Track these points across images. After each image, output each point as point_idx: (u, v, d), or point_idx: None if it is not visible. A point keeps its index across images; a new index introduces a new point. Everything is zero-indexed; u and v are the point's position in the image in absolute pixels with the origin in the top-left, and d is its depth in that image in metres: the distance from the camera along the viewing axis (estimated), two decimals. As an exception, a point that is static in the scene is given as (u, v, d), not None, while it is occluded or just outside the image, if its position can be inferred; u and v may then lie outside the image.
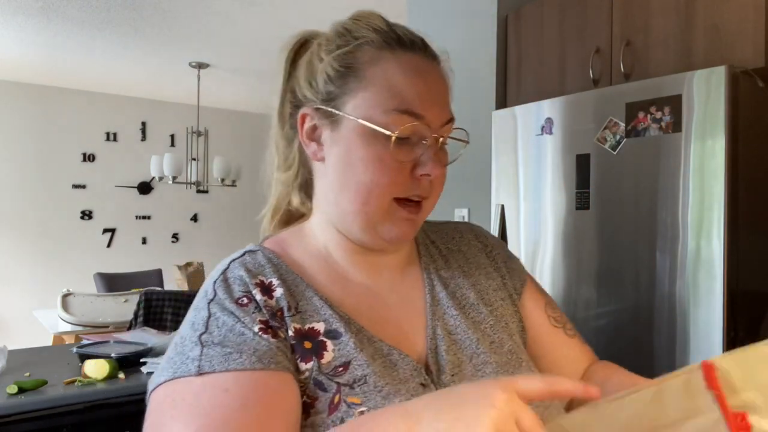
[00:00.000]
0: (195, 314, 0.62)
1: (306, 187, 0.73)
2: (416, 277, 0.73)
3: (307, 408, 0.58)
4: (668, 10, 1.69)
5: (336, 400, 0.58)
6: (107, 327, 3.41)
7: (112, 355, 1.92)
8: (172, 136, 5.89)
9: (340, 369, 0.60)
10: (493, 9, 2.22)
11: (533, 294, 0.80)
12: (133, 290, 3.90)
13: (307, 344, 0.61)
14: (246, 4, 3.23)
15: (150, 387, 0.59)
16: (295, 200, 0.74)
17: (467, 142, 0.71)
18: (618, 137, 1.63)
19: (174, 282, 4.29)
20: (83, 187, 5.45)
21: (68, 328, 3.46)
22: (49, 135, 5.27)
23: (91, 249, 5.49)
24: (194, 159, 4.78)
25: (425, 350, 0.66)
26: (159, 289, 3.89)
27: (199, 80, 4.69)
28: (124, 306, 3.57)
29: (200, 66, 4.46)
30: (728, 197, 1.42)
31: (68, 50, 4.17)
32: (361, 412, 0.57)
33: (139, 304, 3.05)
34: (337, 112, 0.65)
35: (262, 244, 0.72)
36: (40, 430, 1.64)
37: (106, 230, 5.57)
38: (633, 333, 1.60)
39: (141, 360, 1.96)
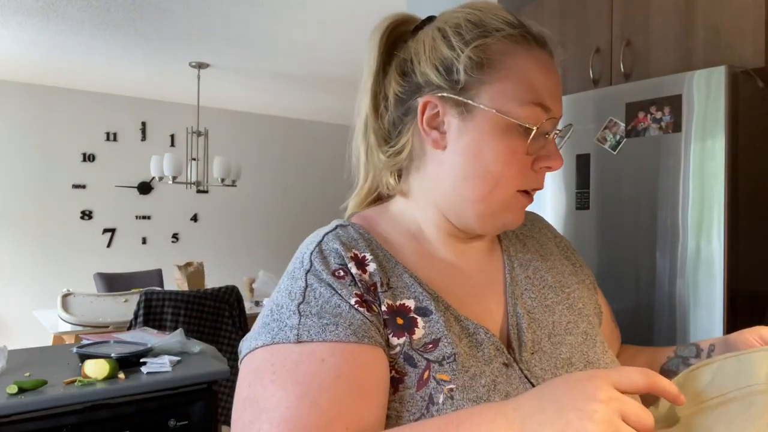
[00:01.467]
0: (291, 283, 0.63)
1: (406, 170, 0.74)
2: (498, 258, 0.75)
3: (396, 383, 0.59)
4: (668, 10, 1.69)
5: (425, 376, 0.59)
6: (107, 327, 3.41)
7: (112, 355, 1.93)
8: (172, 136, 5.89)
9: (430, 346, 0.61)
10: (493, 9, 2.22)
11: (602, 300, 0.84)
12: (133, 290, 3.90)
13: (399, 320, 0.62)
14: (246, 4, 3.23)
15: (244, 349, 0.61)
16: (392, 182, 0.73)
17: (568, 136, 0.75)
18: (618, 137, 1.63)
19: (174, 282, 4.29)
20: (83, 187, 5.45)
21: (68, 328, 3.46)
22: (49, 135, 5.27)
23: (91, 249, 5.49)
24: (194, 159, 4.77)
25: (506, 328, 0.68)
26: (159, 289, 3.89)
27: (199, 80, 4.69)
28: (124, 306, 3.57)
29: (200, 66, 4.46)
30: (728, 197, 1.42)
31: (68, 50, 4.17)
32: (450, 390, 0.58)
33: (139, 304, 3.05)
34: (471, 102, 0.65)
35: (349, 220, 0.73)
36: (40, 430, 1.64)
37: (106, 230, 5.57)
38: (633, 333, 1.60)
39: (141, 360, 1.96)
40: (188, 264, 4.25)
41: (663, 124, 1.53)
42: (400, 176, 0.74)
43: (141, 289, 3.50)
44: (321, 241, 0.65)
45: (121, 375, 1.85)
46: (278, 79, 4.77)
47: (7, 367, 1.87)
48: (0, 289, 5.06)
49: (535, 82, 0.65)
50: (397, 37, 0.72)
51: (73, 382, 1.77)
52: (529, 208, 0.73)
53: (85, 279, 5.05)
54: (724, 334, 1.41)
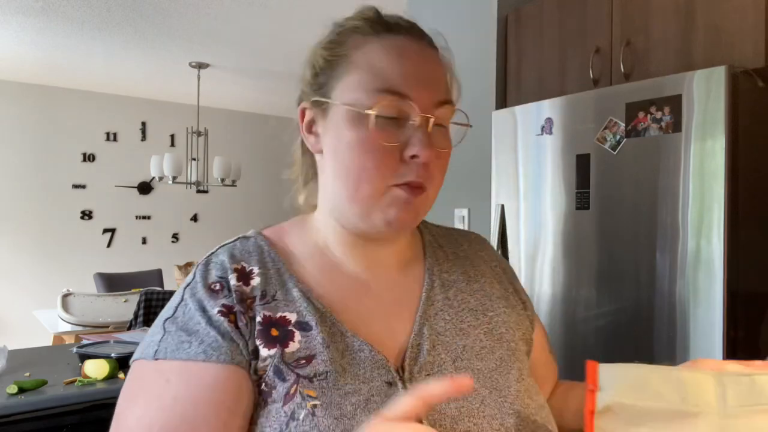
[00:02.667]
0: (173, 298, 0.65)
1: (314, 183, 0.73)
2: (418, 275, 0.72)
3: (266, 396, 0.59)
4: (668, 10, 1.69)
5: (292, 390, 0.58)
6: (107, 327, 3.41)
7: (112, 355, 1.93)
8: (172, 136, 5.89)
9: (303, 361, 0.60)
10: (493, 9, 2.22)
11: (540, 335, 0.80)
12: (133, 290, 3.90)
13: (274, 331, 0.61)
14: (246, 4, 3.23)
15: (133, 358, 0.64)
16: (301, 199, 0.75)
17: (469, 125, 0.68)
18: (618, 137, 1.63)
19: (174, 282, 4.29)
20: (83, 187, 5.45)
21: (68, 328, 3.46)
22: (49, 135, 5.27)
23: (91, 249, 5.49)
24: (194, 159, 4.78)
25: (406, 348, 0.65)
26: (159, 289, 3.89)
27: (199, 80, 4.69)
28: (124, 306, 3.57)
29: (200, 66, 4.46)
30: (728, 197, 1.42)
31: (68, 50, 4.17)
32: (314, 405, 0.57)
33: (139, 304, 3.05)
34: (325, 99, 0.65)
35: (261, 231, 0.72)
36: (40, 430, 1.64)
37: (106, 230, 5.58)
38: (633, 333, 1.60)
39: (141, 360, 1.96)
40: (188, 264, 4.25)
41: (663, 124, 1.53)
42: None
43: (141, 289, 3.51)
44: (212, 253, 0.67)
45: (121, 375, 1.85)
46: (278, 79, 4.77)
47: (7, 367, 1.87)
48: (0, 289, 5.06)
49: (386, 70, 0.62)
50: None
51: (73, 382, 1.77)
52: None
53: (85, 279, 5.05)
54: (724, 334, 1.41)
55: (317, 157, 0.69)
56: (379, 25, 0.65)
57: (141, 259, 5.64)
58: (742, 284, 1.46)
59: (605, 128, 1.66)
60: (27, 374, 1.84)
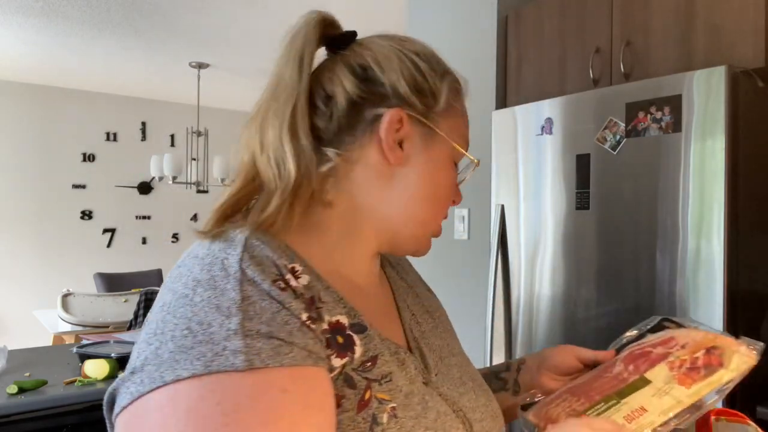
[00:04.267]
0: (215, 295, 0.50)
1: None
2: (386, 283, 0.75)
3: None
4: (668, 10, 1.69)
5: (367, 396, 0.54)
6: (107, 327, 3.41)
7: (112, 355, 1.92)
8: (172, 136, 5.89)
9: (369, 364, 0.56)
10: (493, 9, 2.22)
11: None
12: (133, 290, 3.90)
13: (340, 339, 0.55)
14: (246, 4, 3.23)
15: (149, 384, 0.47)
16: (329, 188, 0.66)
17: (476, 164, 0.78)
18: (618, 137, 1.63)
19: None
20: (83, 187, 5.45)
21: (68, 328, 3.46)
22: (49, 135, 5.27)
23: (91, 249, 5.49)
24: (194, 159, 4.78)
25: (411, 350, 0.67)
26: (159, 289, 3.89)
27: (199, 80, 4.69)
28: (124, 306, 3.57)
29: (200, 66, 4.46)
30: (728, 197, 1.42)
31: (68, 50, 4.17)
32: (393, 408, 0.55)
33: (139, 304, 3.05)
34: (435, 128, 0.66)
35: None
36: (40, 430, 1.64)
37: (106, 230, 5.58)
38: (633, 333, 1.60)
39: (141, 360, 1.96)
40: (188, 264, 4.25)
41: (663, 124, 1.53)
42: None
43: (141, 289, 3.51)
44: (245, 247, 0.54)
45: (121, 375, 1.85)
46: (278, 79, 4.76)
47: (7, 367, 1.87)
48: (0, 289, 5.06)
49: (466, 129, 0.71)
50: (327, 35, 0.67)
51: (73, 382, 1.78)
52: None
53: (85, 279, 5.05)
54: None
55: (382, 164, 0.63)
56: (457, 83, 0.70)
57: (141, 259, 5.64)
58: (742, 284, 1.46)
59: (605, 128, 1.66)
60: (27, 374, 1.84)
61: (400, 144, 0.63)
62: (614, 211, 1.65)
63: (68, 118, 5.35)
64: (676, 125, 1.50)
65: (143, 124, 5.75)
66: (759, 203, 1.53)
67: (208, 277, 0.51)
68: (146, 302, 3.03)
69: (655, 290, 1.55)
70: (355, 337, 0.57)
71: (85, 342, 2.16)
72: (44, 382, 1.73)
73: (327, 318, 0.55)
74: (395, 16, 3.26)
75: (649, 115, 1.55)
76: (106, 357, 1.89)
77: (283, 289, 0.52)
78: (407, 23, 2.67)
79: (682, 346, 0.68)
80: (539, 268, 1.87)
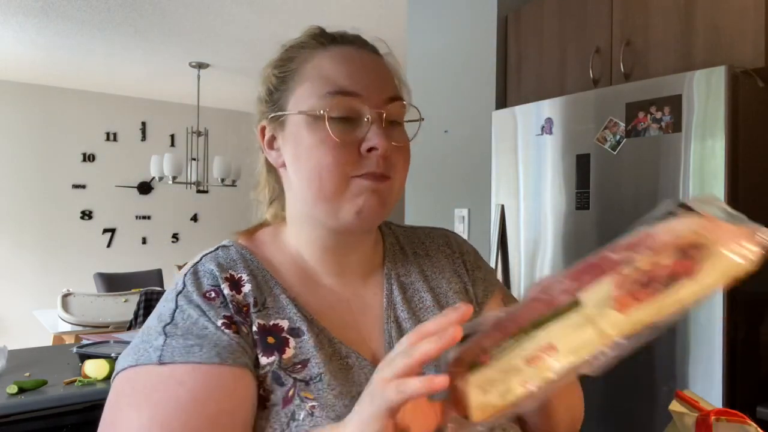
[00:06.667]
0: (164, 305, 0.64)
1: (280, 200, 0.77)
2: (378, 281, 0.75)
3: (264, 401, 0.61)
4: (668, 10, 1.69)
5: (291, 393, 0.61)
6: (107, 327, 3.41)
7: (112, 355, 1.92)
8: (172, 136, 5.89)
9: (299, 366, 0.62)
10: (493, 9, 2.22)
11: (498, 304, 0.81)
12: (133, 290, 3.90)
13: (270, 339, 0.63)
14: (246, 4, 3.23)
15: (114, 372, 0.62)
16: (269, 214, 0.78)
17: (422, 119, 0.73)
18: (618, 137, 1.63)
19: (174, 282, 4.29)
20: (83, 187, 5.45)
21: (68, 328, 3.46)
22: (49, 135, 5.27)
23: (91, 249, 5.49)
24: (194, 159, 4.78)
25: (382, 353, 0.68)
26: (159, 289, 3.89)
27: (199, 80, 4.69)
28: (124, 306, 3.57)
29: (200, 66, 4.46)
30: (728, 197, 1.42)
31: (68, 50, 4.17)
32: (312, 407, 0.60)
33: (139, 304, 3.05)
34: (281, 113, 0.69)
35: (238, 241, 0.74)
36: (40, 430, 1.64)
37: (106, 230, 5.57)
38: (633, 333, 1.60)
39: (141, 360, 1.96)
40: (188, 264, 4.25)
41: (663, 124, 1.53)
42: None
43: (141, 289, 3.51)
44: (198, 262, 0.68)
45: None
46: (278, 79, 4.76)
47: (7, 367, 1.87)
48: (0, 289, 5.06)
49: (334, 74, 0.66)
50: None
51: (73, 382, 1.77)
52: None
53: (85, 279, 5.05)
54: (723, 334, 1.41)
55: (281, 171, 0.73)
56: (323, 38, 0.70)
57: (141, 259, 5.64)
58: (742, 284, 1.46)
59: (605, 128, 1.66)
60: (27, 374, 1.84)
61: (277, 147, 0.72)
62: (614, 211, 1.65)
63: (68, 118, 5.35)
64: (676, 125, 1.50)
65: (143, 124, 5.75)
66: (759, 203, 1.53)
67: (165, 295, 0.66)
68: (146, 302, 3.03)
69: (655, 290, 1.54)
70: (291, 340, 0.64)
71: (85, 342, 2.16)
72: (44, 382, 1.73)
73: (260, 321, 0.64)
74: (395, 16, 3.26)
75: (649, 115, 1.55)
76: (106, 357, 1.89)
77: (211, 299, 0.63)
78: (407, 23, 2.67)
79: (652, 249, 0.46)
80: (539, 267, 1.87)
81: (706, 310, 1.44)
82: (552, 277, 0.50)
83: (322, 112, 0.65)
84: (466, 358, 0.49)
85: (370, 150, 0.65)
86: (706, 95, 1.44)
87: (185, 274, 0.66)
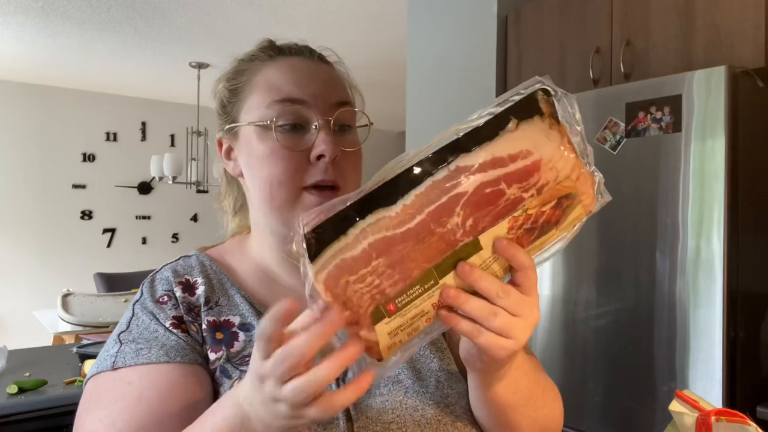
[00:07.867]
0: (125, 314, 0.69)
1: (244, 209, 0.79)
2: None
3: (216, 395, 0.63)
4: (668, 10, 1.69)
5: (236, 384, 0.61)
6: (107, 327, 3.41)
7: (112, 355, 1.92)
8: (172, 136, 5.89)
9: (247, 359, 0.64)
10: (493, 9, 2.22)
11: None
12: (133, 290, 3.89)
13: (219, 335, 0.66)
14: (246, 4, 3.23)
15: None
16: (233, 224, 0.82)
17: (371, 124, 0.74)
18: (618, 137, 1.63)
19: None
20: (83, 187, 5.45)
21: (68, 328, 3.45)
22: (49, 135, 5.27)
23: (91, 249, 5.48)
24: (194, 159, 4.77)
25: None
26: (159, 289, 3.89)
27: (199, 80, 4.69)
28: (124, 306, 3.57)
29: (200, 66, 4.46)
30: (728, 197, 1.42)
31: (68, 50, 4.17)
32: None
33: (139, 304, 3.05)
34: (234, 124, 0.71)
35: (202, 250, 0.78)
36: (40, 430, 1.64)
37: (106, 230, 5.57)
38: (633, 333, 1.60)
39: (141, 360, 1.96)
40: (188, 264, 4.25)
41: (663, 124, 1.53)
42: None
43: (141, 289, 3.50)
44: (157, 272, 0.72)
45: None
46: (278, 79, 4.76)
47: (7, 367, 1.87)
48: (0, 288, 5.06)
49: (279, 83, 0.68)
50: None
51: (73, 382, 1.77)
52: None
53: (85, 279, 5.05)
54: (724, 334, 1.41)
55: (241, 181, 0.75)
56: (272, 50, 0.72)
57: (141, 259, 5.64)
58: (742, 284, 1.46)
59: (605, 128, 1.66)
60: (27, 374, 1.84)
61: (234, 158, 0.73)
62: (614, 211, 1.65)
63: (68, 118, 5.35)
64: (676, 125, 1.50)
65: (143, 124, 5.75)
66: (759, 203, 1.53)
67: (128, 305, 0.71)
68: (146, 302, 3.03)
69: (655, 290, 1.55)
70: (240, 334, 0.67)
71: (85, 342, 2.17)
72: (44, 382, 1.73)
73: (210, 319, 0.67)
74: (395, 17, 3.26)
75: (649, 115, 1.55)
76: (106, 357, 1.89)
77: (163, 303, 0.67)
78: (407, 24, 2.67)
79: (539, 190, 0.47)
80: (538, 267, 1.87)
81: (705, 309, 1.44)
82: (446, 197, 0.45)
83: (269, 121, 0.66)
84: (360, 310, 0.45)
85: (319, 157, 0.65)
86: (706, 95, 1.44)
87: (143, 283, 0.70)
